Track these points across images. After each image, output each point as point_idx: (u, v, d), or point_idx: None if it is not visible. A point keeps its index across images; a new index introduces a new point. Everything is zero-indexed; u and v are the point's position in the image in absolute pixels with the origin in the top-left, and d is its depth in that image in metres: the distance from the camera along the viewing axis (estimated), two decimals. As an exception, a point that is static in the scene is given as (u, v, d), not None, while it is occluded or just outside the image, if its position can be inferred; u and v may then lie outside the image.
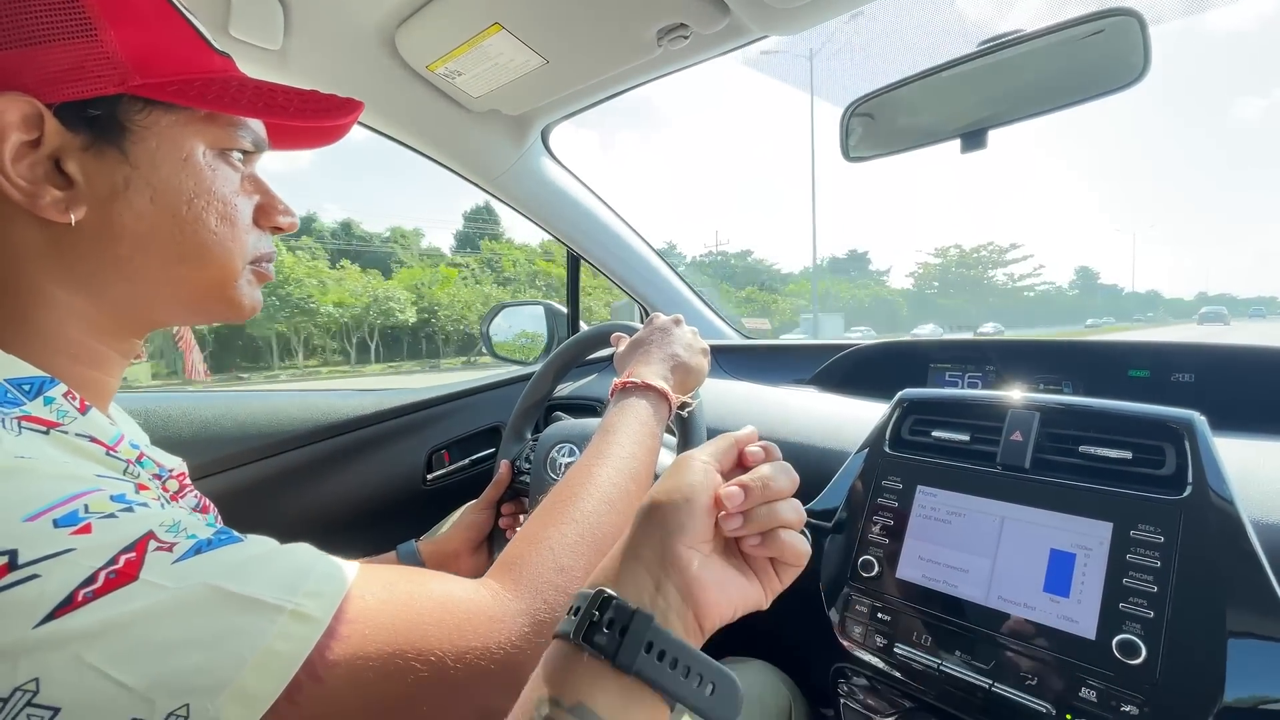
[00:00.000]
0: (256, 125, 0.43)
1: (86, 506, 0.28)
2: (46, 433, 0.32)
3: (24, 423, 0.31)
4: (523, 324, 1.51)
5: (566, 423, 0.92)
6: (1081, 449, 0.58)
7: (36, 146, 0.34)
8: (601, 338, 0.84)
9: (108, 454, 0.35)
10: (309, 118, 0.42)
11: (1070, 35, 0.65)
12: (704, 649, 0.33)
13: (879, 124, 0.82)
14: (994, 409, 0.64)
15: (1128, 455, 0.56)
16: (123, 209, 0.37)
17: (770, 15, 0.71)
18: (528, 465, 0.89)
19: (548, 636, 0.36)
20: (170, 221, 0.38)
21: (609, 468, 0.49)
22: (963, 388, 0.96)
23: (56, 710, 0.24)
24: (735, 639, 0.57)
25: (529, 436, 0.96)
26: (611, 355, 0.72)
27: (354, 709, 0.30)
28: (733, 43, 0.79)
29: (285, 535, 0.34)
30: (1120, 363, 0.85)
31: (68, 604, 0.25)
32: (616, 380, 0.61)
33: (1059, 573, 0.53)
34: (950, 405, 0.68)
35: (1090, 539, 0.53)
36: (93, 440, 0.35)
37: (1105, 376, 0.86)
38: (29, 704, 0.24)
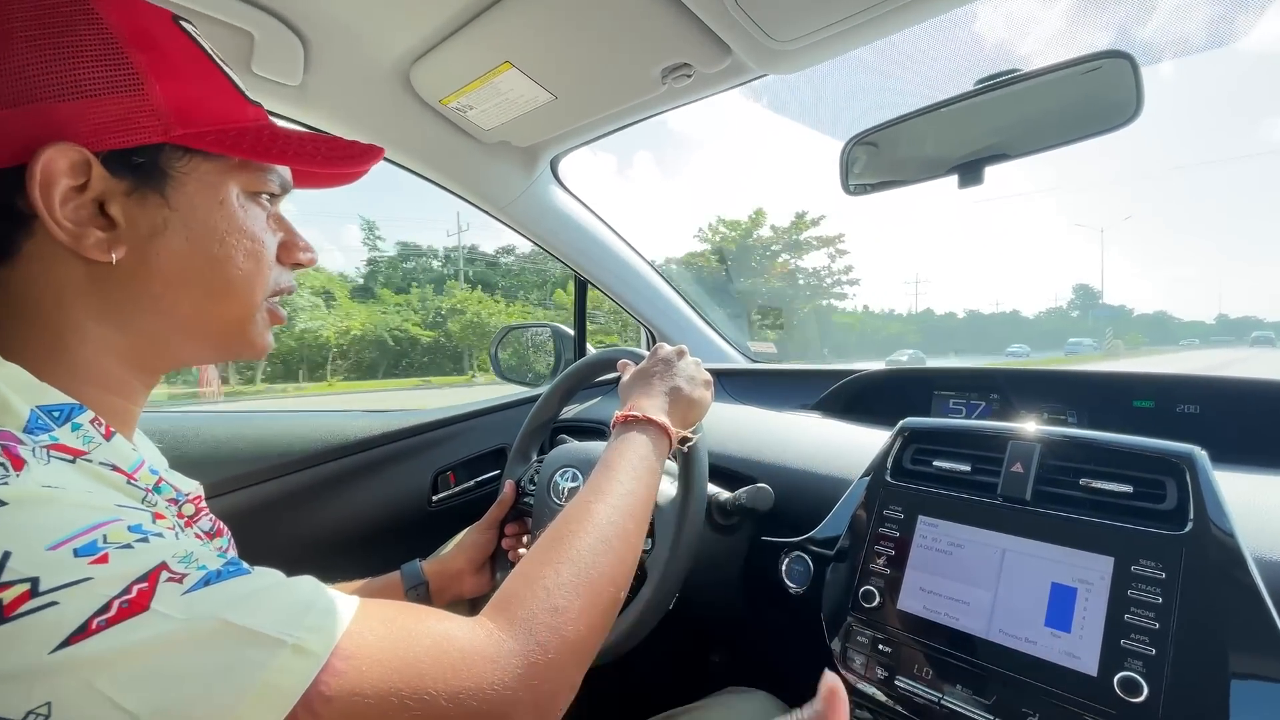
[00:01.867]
0: (284, 169, 0.47)
1: (105, 536, 0.29)
2: (73, 461, 0.34)
3: (53, 451, 0.33)
4: (530, 346, 1.53)
5: (570, 446, 0.93)
6: (1082, 482, 0.58)
7: (83, 191, 0.37)
8: (608, 363, 0.86)
9: (128, 482, 0.37)
10: (334, 164, 0.45)
11: (1065, 75, 0.66)
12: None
13: (881, 155, 0.84)
14: (995, 440, 0.64)
15: (1129, 489, 0.55)
16: (160, 248, 0.40)
17: (770, 56, 0.73)
18: (532, 486, 0.90)
19: (540, 678, 0.37)
20: (202, 259, 0.41)
21: (606, 505, 0.50)
22: (967, 416, 0.96)
23: None
24: (736, 669, 0.56)
25: (535, 457, 0.97)
26: (618, 379, 0.74)
27: None
28: (734, 81, 0.82)
29: (292, 554, 0.35)
30: (1125, 393, 0.85)
31: (82, 631, 0.26)
32: (618, 413, 0.62)
33: (1060, 607, 0.53)
34: (951, 435, 0.69)
35: (1091, 573, 0.53)
36: (115, 469, 0.37)
37: (1110, 407, 0.85)
38: None
